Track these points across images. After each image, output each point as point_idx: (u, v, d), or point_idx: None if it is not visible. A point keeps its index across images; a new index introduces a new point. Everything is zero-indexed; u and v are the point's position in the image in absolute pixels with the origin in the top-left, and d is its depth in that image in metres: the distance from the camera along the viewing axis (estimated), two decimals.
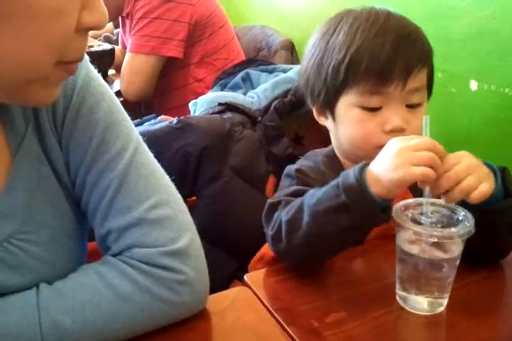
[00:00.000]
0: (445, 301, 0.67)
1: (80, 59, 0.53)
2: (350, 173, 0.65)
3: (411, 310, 0.66)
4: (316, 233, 0.66)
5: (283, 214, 0.70)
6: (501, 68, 1.38)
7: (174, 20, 1.60)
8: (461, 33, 1.48)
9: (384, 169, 0.62)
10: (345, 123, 0.79)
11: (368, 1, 1.88)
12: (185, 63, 1.69)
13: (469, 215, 0.64)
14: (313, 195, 0.67)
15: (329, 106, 0.80)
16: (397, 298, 0.68)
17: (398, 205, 0.66)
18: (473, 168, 0.63)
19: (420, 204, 0.66)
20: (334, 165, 0.83)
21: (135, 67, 1.64)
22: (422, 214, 0.65)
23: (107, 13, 0.51)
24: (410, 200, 0.67)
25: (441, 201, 0.66)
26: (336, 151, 0.85)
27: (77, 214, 0.65)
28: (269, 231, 0.72)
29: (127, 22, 1.72)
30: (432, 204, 0.66)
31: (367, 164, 0.65)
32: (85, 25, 0.49)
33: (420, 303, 0.66)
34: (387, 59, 0.73)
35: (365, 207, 0.63)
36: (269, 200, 0.75)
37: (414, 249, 0.64)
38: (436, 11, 1.55)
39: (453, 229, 0.62)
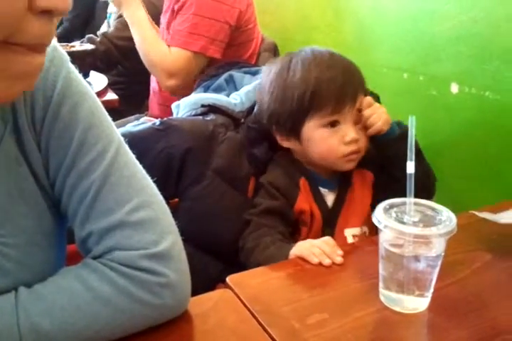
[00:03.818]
0: (427, 300, 0.67)
1: (35, 46, 0.48)
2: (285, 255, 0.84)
3: (394, 309, 0.67)
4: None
5: (249, 240, 0.92)
6: (482, 71, 1.39)
7: (224, 22, 1.56)
8: (442, 36, 1.50)
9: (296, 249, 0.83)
10: (312, 142, 0.96)
11: (349, 2, 1.89)
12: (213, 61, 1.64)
13: (452, 216, 0.65)
14: (265, 249, 0.89)
15: (294, 131, 0.96)
16: (381, 296, 0.69)
17: (383, 204, 0.68)
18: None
19: (404, 204, 0.67)
20: (298, 167, 1.01)
21: (186, 63, 1.58)
22: (405, 213, 0.66)
23: None
24: (395, 200, 0.68)
25: (425, 201, 0.68)
26: (300, 160, 1.02)
27: (55, 217, 0.64)
28: (239, 245, 0.94)
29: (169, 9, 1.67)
30: (416, 203, 0.67)
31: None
32: (39, 6, 0.45)
33: (402, 302, 0.67)
34: (341, 88, 0.92)
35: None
36: (244, 215, 0.96)
37: (397, 248, 0.64)
38: (418, 15, 1.57)
39: (434, 229, 0.63)
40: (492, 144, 1.40)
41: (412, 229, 0.63)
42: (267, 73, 1.00)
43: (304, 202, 0.97)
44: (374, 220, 0.66)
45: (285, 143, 1.00)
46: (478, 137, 1.44)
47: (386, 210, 0.66)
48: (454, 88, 1.48)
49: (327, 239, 0.83)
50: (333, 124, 0.94)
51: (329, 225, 0.99)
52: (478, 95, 1.41)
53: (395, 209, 0.67)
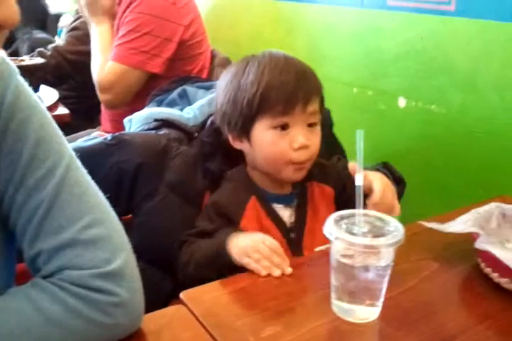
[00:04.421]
0: (378, 309, 0.69)
1: None
2: (223, 252, 0.84)
3: (346, 319, 0.68)
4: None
5: (183, 253, 0.91)
6: (428, 86, 1.45)
7: (165, 39, 1.57)
8: (389, 52, 1.55)
9: (239, 250, 0.83)
10: (261, 144, 0.94)
11: (301, 19, 1.93)
12: (158, 75, 1.65)
13: (400, 226, 0.67)
14: (201, 248, 0.89)
15: (245, 132, 0.94)
16: (333, 307, 0.70)
17: (333, 216, 0.69)
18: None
19: (353, 215, 0.69)
20: (248, 185, 0.99)
21: (119, 77, 1.59)
22: (355, 224, 0.68)
23: (17, 11, 0.46)
24: (345, 211, 0.70)
25: (374, 212, 0.70)
26: (249, 168, 1.00)
27: (4, 235, 0.62)
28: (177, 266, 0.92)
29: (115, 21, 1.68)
30: (365, 215, 0.69)
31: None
32: None
33: (354, 312, 0.68)
34: (292, 92, 0.90)
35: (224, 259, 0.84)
36: (181, 237, 0.94)
37: (348, 258, 0.66)
38: (366, 32, 1.62)
39: (383, 239, 0.64)
40: (438, 156, 1.45)
41: (362, 240, 0.64)
42: (225, 74, 0.99)
43: (250, 220, 0.94)
44: (325, 232, 0.67)
45: (237, 145, 0.98)
46: (425, 149, 1.49)
47: (336, 222, 0.68)
48: (402, 102, 1.53)
49: (275, 246, 0.81)
50: (284, 127, 0.92)
51: (294, 243, 0.95)
52: (424, 109, 1.47)
53: (345, 220, 0.69)
